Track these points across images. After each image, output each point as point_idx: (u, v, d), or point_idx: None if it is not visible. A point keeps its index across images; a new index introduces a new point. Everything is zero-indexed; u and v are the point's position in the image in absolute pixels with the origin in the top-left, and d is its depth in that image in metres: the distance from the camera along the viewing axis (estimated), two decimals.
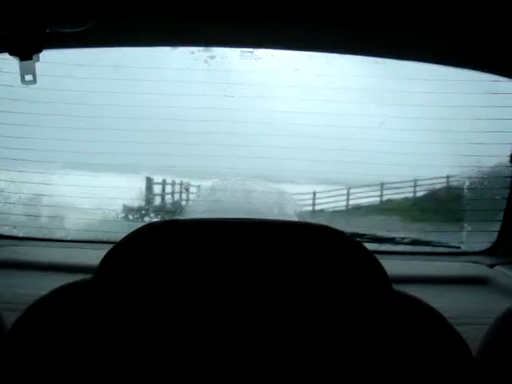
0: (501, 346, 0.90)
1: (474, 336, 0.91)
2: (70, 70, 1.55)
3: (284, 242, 0.80)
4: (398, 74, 1.53)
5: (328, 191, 2.23)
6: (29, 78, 1.21)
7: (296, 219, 1.96)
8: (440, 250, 1.75)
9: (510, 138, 1.58)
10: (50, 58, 1.27)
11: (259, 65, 1.46)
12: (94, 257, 1.54)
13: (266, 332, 0.78)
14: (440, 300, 1.35)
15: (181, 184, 2.39)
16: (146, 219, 2.04)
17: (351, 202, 2.28)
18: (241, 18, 1.28)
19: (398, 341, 0.80)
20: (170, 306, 0.78)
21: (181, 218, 2.08)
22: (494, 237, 1.69)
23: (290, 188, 1.96)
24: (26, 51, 1.18)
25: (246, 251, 0.79)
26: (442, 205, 1.97)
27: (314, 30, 1.31)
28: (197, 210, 2.00)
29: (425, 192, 2.05)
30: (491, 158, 1.70)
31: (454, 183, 1.88)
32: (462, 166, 1.75)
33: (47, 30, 1.19)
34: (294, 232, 0.81)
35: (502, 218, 1.66)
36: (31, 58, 1.19)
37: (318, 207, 2.19)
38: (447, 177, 1.90)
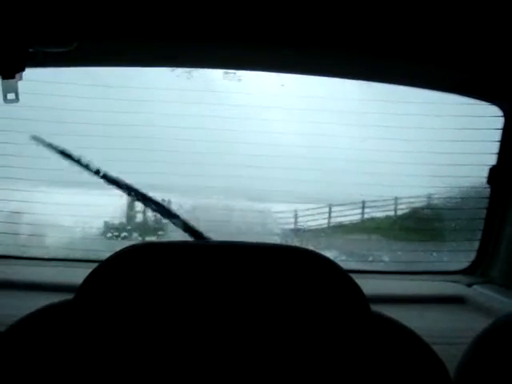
0: (477, 367, 0.91)
1: (451, 356, 0.92)
2: (52, 87, 1.55)
3: (262, 265, 0.81)
4: (381, 97, 1.56)
5: (309, 209, 2.24)
6: (11, 96, 1.20)
7: (277, 238, 1.97)
8: (419, 268, 1.77)
9: (487, 160, 1.61)
10: (31, 76, 1.27)
11: (242, 85, 1.48)
12: (74, 276, 1.53)
13: (245, 357, 0.78)
14: (418, 320, 1.36)
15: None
16: (126, 237, 2.03)
17: (332, 221, 2.30)
18: (223, 41, 1.29)
19: (376, 362, 0.81)
20: (150, 328, 0.78)
21: (161, 235, 2.08)
22: (472, 256, 1.71)
23: (271, 207, 1.97)
24: (8, 70, 1.18)
25: (226, 274, 0.80)
26: (421, 224, 2.00)
27: (300, 54, 1.33)
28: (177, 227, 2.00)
29: (405, 211, 2.07)
30: (469, 179, 1.73)
31: (434, 203, 1.91)
32: (441, 187, 1.78)
33: (31, 50, 1.19)
34: (272, 255, 0.82)
35: (479, 238, 1.69)
36: (14, 77, 1.19)
37: (299, 226, 2.19)
38: (427, 196, 1.92)
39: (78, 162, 1.57)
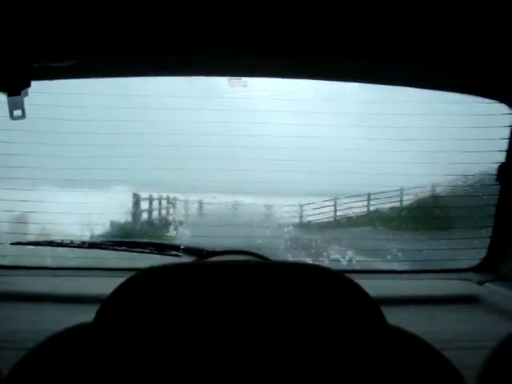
0: (502, 377, 0.90)
1: (469, 362, 0.91)
2: (56, 98, 1.55)
3: (279, 284, 0.80)
4: (387, 98, 1.55)
5: (315, 203, 2.24)
6: (17, 113, 1.20)
7: (284, 232, 1.97)
8: (428, 266, 1.76)
9: (496, 157, 1.60)
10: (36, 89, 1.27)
11: (247, 91, 1.47)
12: (84, 286, 1.53)
13: (264, 376, 0.78)
14: (431, 322, 1.36)
15: (167, 199, 2.39)
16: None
17: (338, 213, 2.30)
18: (226, 49, 1.29)
19: (395, 378, 0.81)
20: (170, 352, 0.78)
21: (168, 234, 2.09)
22: (483, 253, 1.70)
23: (277, 201, 1.97)
24: (14, 87, 1.17)
25: (245, 294, 0.80)
26: (430, 221, 1.99)
27: (303, 59, 1.33)
28: (185, 224, 2.01)
29: (414, 208, 2.06)
30: (478, 177, 1.72)
31: (443, 201, 1.90)
32: (450, 185, 1.77)
33: (35, 65, 1.19)
34: (290, 273, 0.82)
35: (490, 235, 1.68)
36: (20, 94, 1.18)
37: (305, 219, 2.19)
38: (437, 194, 1.91)
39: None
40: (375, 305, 0.79)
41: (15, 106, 1.19)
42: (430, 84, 1.46)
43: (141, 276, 0.81)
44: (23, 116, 1.20)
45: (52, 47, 1.16)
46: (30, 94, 1.22)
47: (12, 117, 1.19)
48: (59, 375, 0.82)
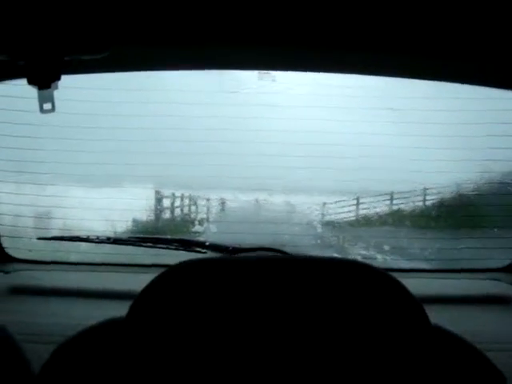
0: None
1: (505, 363, 0.89)
2: (81, 93, 1.55)
3: (322, 280, 0.79)
4: (417, 94, 1.53)
5: (341, 201, 2.23)
6: (47, 106, 1.19)
7: (308, 230, 1.96)
8: (457, 266, 1.73)
9: None
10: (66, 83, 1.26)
11: (276, 86, 1.46)
12: (110, 281, 1.53)
13: (305, 371, 0.77)
14: (464, 323, 1.33)
15: (190, 197, 2.39)
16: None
17: (364, 212, 2.28)
18: (257, 42, 1.27)
19: (437, 377, 0.79)
20: (204, 347, 0.77)
21: (193, 230, 2.09)
22: None
23: (301, 198, 1.96)
24: (44, 80, 1.17)
25: (287, 289, 0.78)
26: (460, 220, 1.96)
27: (329, 53, 1.31)
28: (209, 221, 2.01)
29: (441, 202, 2.03)
30: (509, 175, 1.69)
31: (473, 199, 1.87)
32: (480, 183, 1.74)
33: (65, 58, 1.18)
34: (333, 269, 0.80)
35: None
36: (50, 87, 1.18)
37: (330, 217, 2.18)
38: (466, 192, 1.88)
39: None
40: (417, 302, 0.77)
41: (45, 99, 1.18)
42: (459, 78, 1.43)
43: (174, 270, 0.80)
44: (53, 109, 1.19)
45: (82, 40, 1.16)
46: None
47: (42, 110, 1.18)
48: (92, 369, 0.81)
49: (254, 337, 0.77)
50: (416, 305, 0.78)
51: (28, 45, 1.12)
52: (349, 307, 0.77)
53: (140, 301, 0.78)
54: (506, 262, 1.67)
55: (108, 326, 0.83)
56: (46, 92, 1.18)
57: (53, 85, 1.18)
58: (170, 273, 0.80)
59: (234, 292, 0.78)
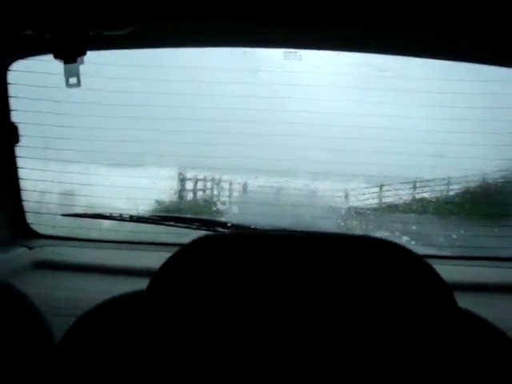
0: None
1: None
2: (109, 70, 1.55)
3: (349, 257, 0.78)
4: (443, 75, 1.50)
5: (361, 189, 2.20)
6: (73, 81, 1.20)
7: (331, 214, 1.94)
8: (483, 253, 1.70)
9: None
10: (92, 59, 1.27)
11: (302, 65, 1.45)
12: (132, 258, 1.54)
13: (325, 349, 0.76)
14: (488, 310, 1.32)
15: (212, 178, 2.39)
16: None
17: (384, 200, 2.25)
18: (279, 20, 1.26)
19: (464, 363, 0.78)
20: (224, 321, 0.77)
21: (214, 210, 2.09)
22: None
23: (324, 182, 1.94)
24: (70, 54, 1.17)
25: (305, 266, 0.77)
26: (486, 208, 1.92)
27: (356, 31, 1.29)
28: (231, 202, 2.01)
29: (466, 189, 2.00)
30: None
31: (498, 187, 1.83)
32: (505, 170, 1.71)
33: (91, 33, 1.18)
34: (360, 246, 0.79)
35: None
36: (75, 61, 1.18)
37: (353, 203, 2.16)
38: (492, 179, 1.85)
39: None
40: (446, 285, 0.76)
41: (71, 73, 1.19)
42: (486, 59, 1.40)
43: (192, 246, 0.80)
44: (78, 84, 1.20)
45: (107, 15, 1.16)
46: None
47: (68, 84, 1.20)
48: (112, 341, 0.82)
49: (271, 314, 0.76)
50: (444, 287, 0.76)
51: (54, 19, 1.13)
52: (374, 286, 0.76)
53: (159, 275, 0.79)
54: None
55: (128, 299, 0.84)
56: (71, 66, 1.19)
57: (79, 59, 1.19)
58: (188, 248, 0.80)
59: (251, 267, 0.77)
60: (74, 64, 1.18)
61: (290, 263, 0.77)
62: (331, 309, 0.76)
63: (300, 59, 1.40)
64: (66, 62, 1.18)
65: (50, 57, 1.19)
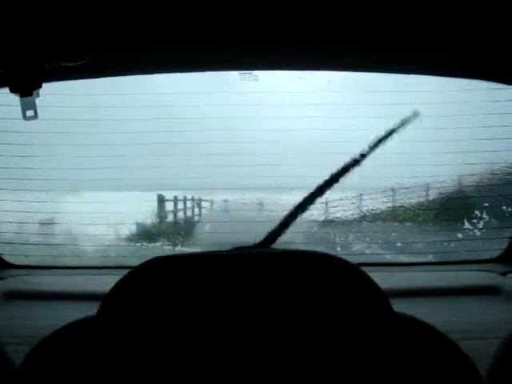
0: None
1: (488, 351, 0.90)
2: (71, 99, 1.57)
3: (284, 272, 0.80)
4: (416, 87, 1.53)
5: (339, 200, 2.22)
6: (30, 113, 1.21)
7: (304, 227, 1.96)
8: (449, 258, 1.73)
9: None
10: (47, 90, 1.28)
11: (259, 86, 1.47)
12: (108, 283, 1.55)
13: (268, 364, 0.78)
14: (451, 312, 1.35)
15: (192, 199, 2.40)
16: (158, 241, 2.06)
17: (359, 208, 2.27)
18: (238, 44, 1.28)
19: (401, 364, 0.80)
20: (174, 344, 0.78)
21: (195, 231, 2.10)
22: (505, 243, 1.67)
23: (297, 196, 1.96)
24: (26, 88, 1.19)
25: (246, 284, 0.79)
26: (451, 212, 1.95)
27: (314, 51, 1.31)
28: (210, 222, 2.02)
29: (435, 198, 2.03)
30: (501, 165, 1.69)
31: (465, 190, 1.87)
32: (472, 174, 1.74)
33: (47, 65, 1.20)
34: (294, 261, 0.82)
35: None
36: (32, 94, 1.20)
37: (326, 214, 2.17)
38: (458, 184, 1.88)
39: None
40: (379, 289, 0.78)
41: (28, 106, 1.21)
42: (450, 71, 1.42)
43: (143, 268, 0.82)
44: (36, 116, 1.21)
45: (63, 47, 1.17)
46: (46, 95, 1.25)
47: (25, 117, 1.21)
48: (65, 366, 0.83)
49: (222, 331, 0.78)
50: (376, 291, 0.79)
51: (8, 53, 1.15)
52: (307, 297, 0.79)
53: (108, 299, 0.80)
54: (497, 253, 1.67)
55: (80, 324, 0.85)
56: (28, 99, 1.21)
57: (34, 92, 1.21)
58: (139, 270, 0.81)
59: (201, 287, 0.79)
60: (31, 97, 1.20)
61: (229, 281, 0.79)
62: (269, 322, 0.78)
63: (257, 79, 1.43)
64: (22, 96, 1.19)
65: (6, 89, 1.21)
